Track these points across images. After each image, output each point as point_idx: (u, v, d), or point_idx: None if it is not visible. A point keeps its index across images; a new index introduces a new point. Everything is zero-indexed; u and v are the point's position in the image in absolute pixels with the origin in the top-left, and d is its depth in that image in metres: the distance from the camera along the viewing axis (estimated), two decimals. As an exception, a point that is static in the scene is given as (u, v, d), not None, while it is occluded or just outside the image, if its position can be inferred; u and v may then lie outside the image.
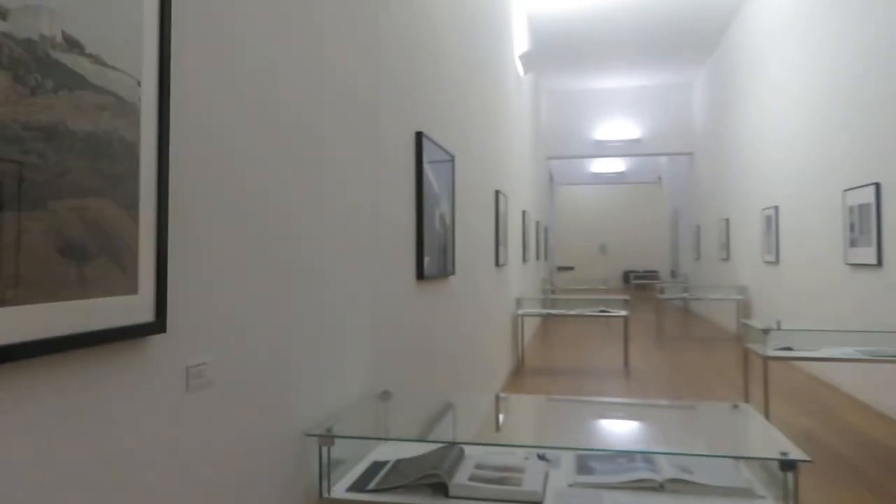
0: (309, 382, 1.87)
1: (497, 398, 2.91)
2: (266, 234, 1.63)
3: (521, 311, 7.28)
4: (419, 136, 2.99)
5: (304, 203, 1.84)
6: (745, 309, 9.21)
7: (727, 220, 10.43)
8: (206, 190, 1.38)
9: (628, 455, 1.91)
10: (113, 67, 1.07)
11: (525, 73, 8.68)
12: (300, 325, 1.81)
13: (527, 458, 1.98)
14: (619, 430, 2.02)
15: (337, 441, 1.82)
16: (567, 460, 1.97)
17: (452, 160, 3.69)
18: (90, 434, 1.07)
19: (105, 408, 1.10)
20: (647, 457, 1.88)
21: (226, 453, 1.46)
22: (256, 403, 1.59)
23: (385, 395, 2.35)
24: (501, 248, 5.93)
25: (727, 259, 10.49)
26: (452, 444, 1.98)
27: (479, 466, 1.88)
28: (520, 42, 8.15)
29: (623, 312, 7.02)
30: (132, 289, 1.13)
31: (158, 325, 1.20)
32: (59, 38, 0.95)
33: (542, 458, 1.97)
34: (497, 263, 5.67)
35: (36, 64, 0.91)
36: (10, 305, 0.88)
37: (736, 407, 2.07)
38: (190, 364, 1.35)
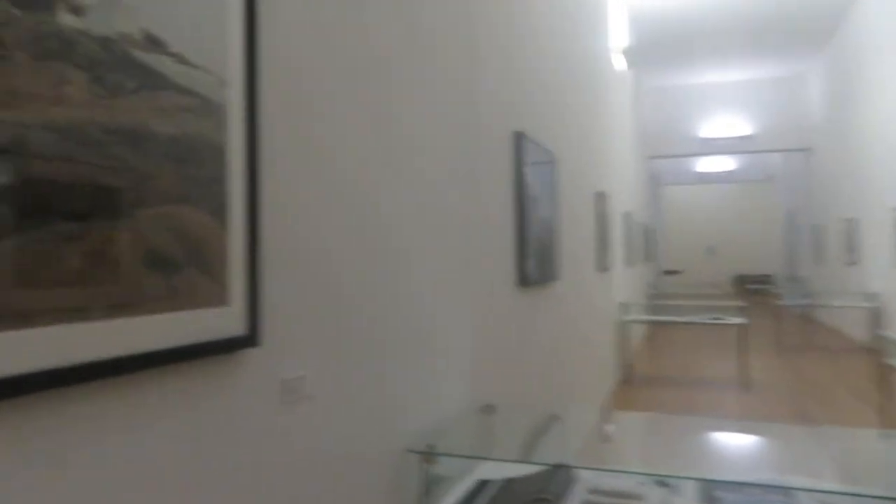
0: (409, 395, 1.78)
1: (605, 413, 2.73)
2: (362, 240, 1.55)
3: (627, 318, 6.97)
4: (518, 136, 2.85)
5: (402, 207, 1.76)
6: (876, 318, 8.41)
7: (853, 221, 9.59)
8: (298, 195, 1.31)
9: (762, 487, 1.69)
10: (196, 66, 1.01)
11: (625, 69, 8.35)
12: (398, 336, 1.72)
13: (643, 484, 1.80)
14: (747, 456, 1.80)
15: (440, 457, 1.72)
16: (690, 488, 1.77)
17: (553, 161, 3.53)
18: (183, 453, 1.01)
19: (197, 426, 1.04)
20: (784, 490, 1.65)
21: (324, 469, 1.38)
22: (355, 417, 1.51)
23: (488, 409, 2.23)
24: (605, 252, 5.68)
25: (854, 263, 9.63)
26: (564, 466, 1.83)
27: (592, 491, 1.72)
28: (619, 37, 7.84)
29: (739, 320, 6.56)
30: (223, 300, 1.07)
31: (251, 338, 1.14)
32: (140, 36, 0.90)
33: (661, 484, 1.78)
34: (601, 268, 5.44)
35: (115, 63, 0.85)
36: (95, 321, 0.83)
37: (888, 437, 1.80)
38: (286, 378, 1.28)
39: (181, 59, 0.97)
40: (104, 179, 0.83)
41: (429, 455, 1.70)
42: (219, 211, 1.06)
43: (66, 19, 0.78)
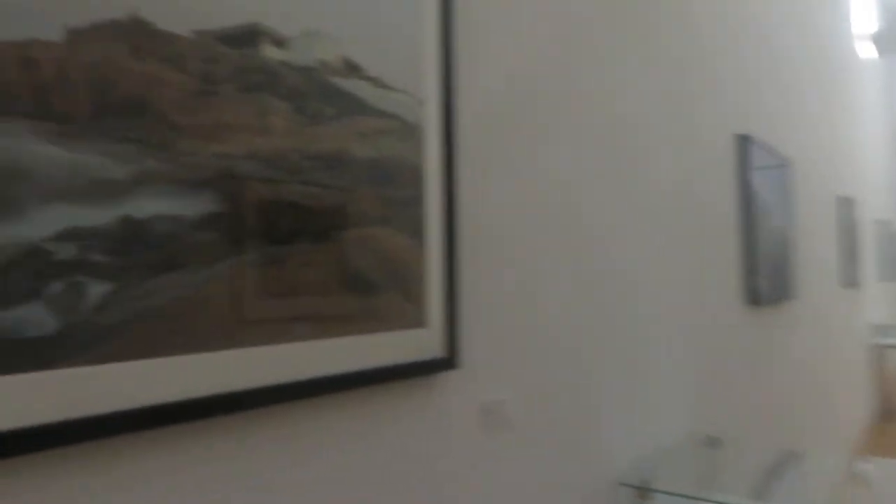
0: (621, 423, 1.65)
1: (856, 455, 2.33)
2: (567, 255, 1.47)
3: (883, 342, 6.01)
4: (743, 139, 2.58)
5: (611, 222, 1.65)
6: None
7: None
8: (496, 213, 1.27)
9: None
10: (393, 88, 1.01)
11: (874, 57, 7.29)
12: (608, 359, 1.61)
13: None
14: None
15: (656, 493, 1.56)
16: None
17: (785, 164, 3.15)
18: (379, 476, 1.01)
19: (395, 449, 1.04)
20: None
21: (527, 500, 1.31)
22: (562, 445, 1.43)
23: (712, 442, 2.01)
24: (853, 265, 4.96)
25: None
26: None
27: (844, 552, 1.45)
28: (865, 21, 6.87)
29: None
30: (420, 322, 1.06)
31: (450, 360, 1.12)
32: (339, 64, 0.92)
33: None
34: (847, 283, 4.75)
35: (316, 92, 0.88)
36: (297, 342, 0.85)
37: None
38: (485, 402, 1.24)
39: (378, 83, 0.98)
40: (306, 204, 0.85)
41: (644, 490, 1.56)
42: (417, 232, 1.05)
43: (270, 52, 0.81)
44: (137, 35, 0.67)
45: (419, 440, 1.08)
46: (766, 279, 2.71)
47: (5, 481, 0.58)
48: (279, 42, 0.83)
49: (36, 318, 0.58)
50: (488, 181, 1.26)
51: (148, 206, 0.68)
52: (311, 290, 0.86)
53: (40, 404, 0.58)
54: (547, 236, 1.41)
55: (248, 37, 0.79)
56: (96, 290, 0.63)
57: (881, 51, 7.31)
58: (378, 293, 0.97)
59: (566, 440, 1.45)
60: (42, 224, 0.59)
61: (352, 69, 0.93)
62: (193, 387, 0.71)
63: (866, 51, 6.79)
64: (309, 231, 0.86)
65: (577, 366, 1.49)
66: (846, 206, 4.86)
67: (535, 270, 1.37)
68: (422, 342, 1.06)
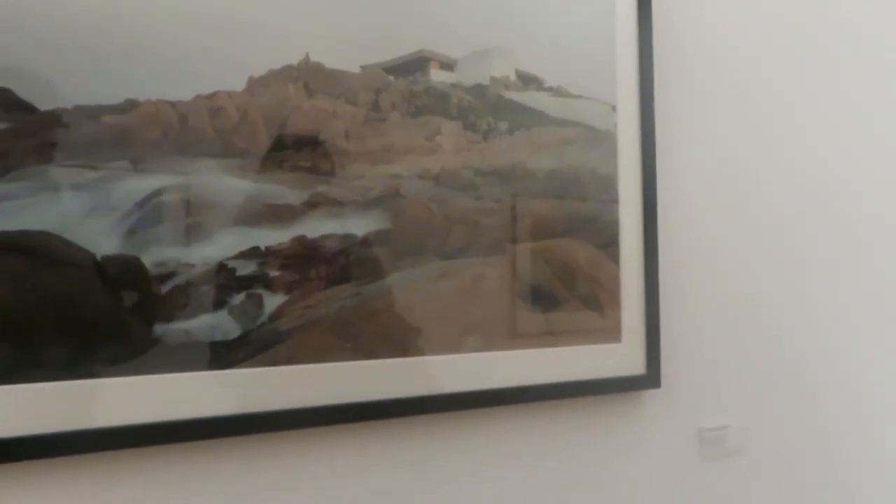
0: (869, 455, 1.38)
1: None
2: (792, 277, 1.27)
3: None
4: None
5: (842, 235, 1.39)
6: None
7: None
8: (705, 224, 1.16)
9: None
10: (579, 96, 0.98)
11: None
12: (847, 380, 1.36)
13: None
14: None
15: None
16: None
17: None
18: (575, 486, 0.98)
19: (592, 462, 1.00)
20: None
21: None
22: (798, 479, 1.25)
23: None
24: None
25: None
26: None
27: None
28: None
29: None
30: (613, 337, 1.01)
31: (650, 378, 1.04)
32: (513, 78, 0.92)
33: None
34: None
35: (487, 108, 0.89)
36: (470, 352, 0.87)
37: None
38: (705, 427, 1.14)
39: (560, 92, 0.96)
40: (476, 218, 0.87)
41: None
42: (608, 243, 1.00)
43: (438, 76, 0.85)
44: (309, 75, 0.76)
45: (621, 456, 1.03)
46: None
47: (189, 462, 0.70)
48: (447, 65, 0.86)
49: (221, 324, 0.69)
50: (694, 188, 1.15)
51: (320, 226, 0.76)
52: (482, 303, 0.88)
53: (222, 399, 0.69)
54: (769, 257, 1.23)
55: (415, 64, 0.84)
56: (272, 300, 0.72)
57: None
58: (558, 306, 0.95)
59: (805, 474, 1.26)
60: (226, 245, 0.70)
61: (527, 81, 0.93)
62: (361, 391, 0.77)
63: None
64: (481, 244, 0.88)
65: (816, 391, 1.29)
66: None
67: (755, 280, 1.21)
68: (614, 358, 1.01)
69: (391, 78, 0.82)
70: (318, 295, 0.75)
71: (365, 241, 0.79)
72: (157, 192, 0.67)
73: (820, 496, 1.27)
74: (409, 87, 0.83)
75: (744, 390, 1.19)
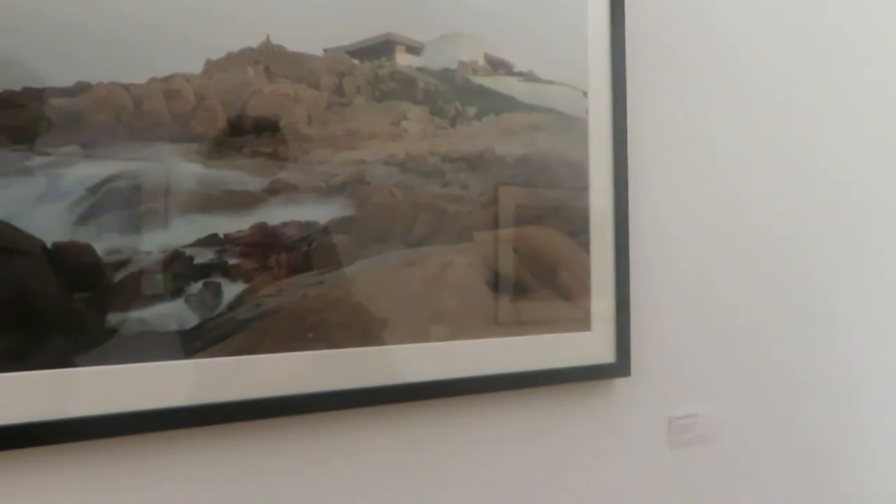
0: (836, 441, 1.40)
1: None
2: (761, 267, 1.27)
3: None
4: None
5: (813, 230, 1.40)
6: None
7: None
8: (677, 212, 1.16)
9: None
10: (550, 82, 0.97)
11: None
12: (819, 372, 1.37)
13: None
14: None
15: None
16: None
17: None
18: (545, 476, 0.98)
19: (563, 451, 1.00)
20: None
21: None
22: (771, 465, 1.26)
23: None
24: None
25: None
26: None
27: None
28: None
29: None
30: (583, 326, 1.00)
31: (620, 367, 1.04)
32: (482, 62, 0.91)
33: None
34: None
35: (455, 93, 0.88)
36: (437, 341, 0.86)
37: None
38: (674, 415, 1.14)
39: (530, 77, 0.95)
40: (443, 205, 0.86)
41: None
42: (578, 231, 1.00)
43: (404, 60, 0.84)
44: (269, 58, 0.74)
45: (591, 444, 1.03)
46: None
47: (149, 454, 0.68)
48: (414, 49, 0.85)
49: (178, 313, 0.68)
50: (666, 176, 1.14)
51: (281, 213, 0.74)
52: (451, 292, 0.87)
53: (178, 390, 0.67)
54: (738, 246, 1.24)
55: (381, 48, 0.82)
56: (231, 289, 0.71)
57: None
58: (528, 294, 0.94)
59: (777, 460, 1.27)
60: (183, 233, 0.68)
61: (496, 66, 0.92)
62: (323, 381, 0.76)
63: None
64: (448, 232, 0.87)
65: (793, 378, 1.30)
66: None
67: (718, 275, 1.22)
68: (586, 346, 1.01)
69: (356, 62, 0.80)
70: (279, 283, 0.74)
71: (327, 229, 0.77)
72: (110, 178, 0.65)
73: (787, 481, 1.29)
74: (374, 70, 0.81)
75: (713, 379, 1.19)
